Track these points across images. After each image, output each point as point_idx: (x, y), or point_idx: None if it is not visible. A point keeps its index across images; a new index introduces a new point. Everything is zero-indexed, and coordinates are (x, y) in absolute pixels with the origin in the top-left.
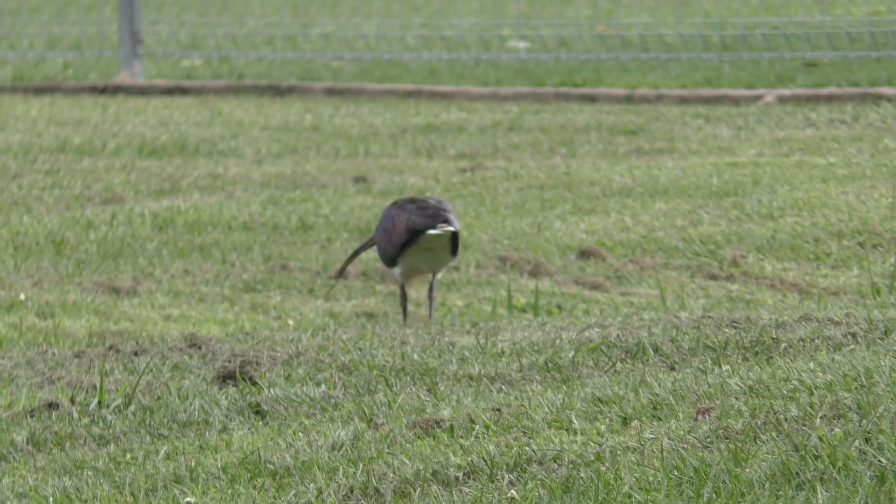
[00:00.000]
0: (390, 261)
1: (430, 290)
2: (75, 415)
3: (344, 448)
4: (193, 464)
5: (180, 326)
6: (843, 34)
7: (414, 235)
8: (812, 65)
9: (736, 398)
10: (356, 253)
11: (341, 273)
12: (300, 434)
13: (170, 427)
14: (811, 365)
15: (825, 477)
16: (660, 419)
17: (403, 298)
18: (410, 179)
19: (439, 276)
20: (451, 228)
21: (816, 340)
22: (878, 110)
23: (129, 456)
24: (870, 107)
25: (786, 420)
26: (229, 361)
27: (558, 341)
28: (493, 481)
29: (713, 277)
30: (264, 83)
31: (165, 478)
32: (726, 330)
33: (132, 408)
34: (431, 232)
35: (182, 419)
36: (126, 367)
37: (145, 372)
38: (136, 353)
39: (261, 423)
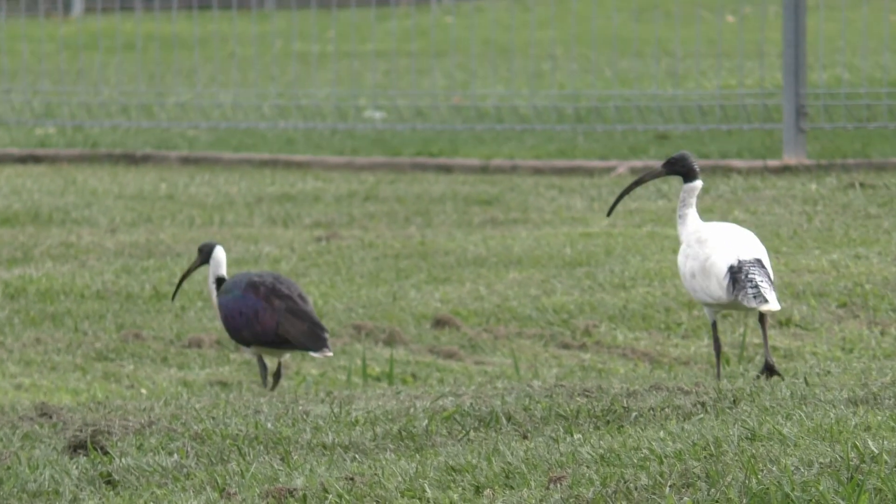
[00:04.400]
0: (242, 343)
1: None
2: None
3: None
4: None
5: (31, 395)
6: (695, 107)
7: (288, 346)
8: (664, 137)
9: (587, 467)
10: (186, 276)
11: (174, 295)
12: None
13: (19, 497)
14: (661, 434)
15: None
16: (512, 488)
17: (262, 367)
18: (265, 248)
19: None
20: (330, 354)
21: (667, 409)
22: (728, 182)
23: None
24: (720, 179)
25: (636, 489)
26: (80, 431)
27: (412, 410)
28: None
29: (566, 346)
30: (119, 152)
31: None
32: (578, 399)
33: None
34: (314, 354)
35: (32, 489)
36: None
37: None
38: None
39: (112, 492)
